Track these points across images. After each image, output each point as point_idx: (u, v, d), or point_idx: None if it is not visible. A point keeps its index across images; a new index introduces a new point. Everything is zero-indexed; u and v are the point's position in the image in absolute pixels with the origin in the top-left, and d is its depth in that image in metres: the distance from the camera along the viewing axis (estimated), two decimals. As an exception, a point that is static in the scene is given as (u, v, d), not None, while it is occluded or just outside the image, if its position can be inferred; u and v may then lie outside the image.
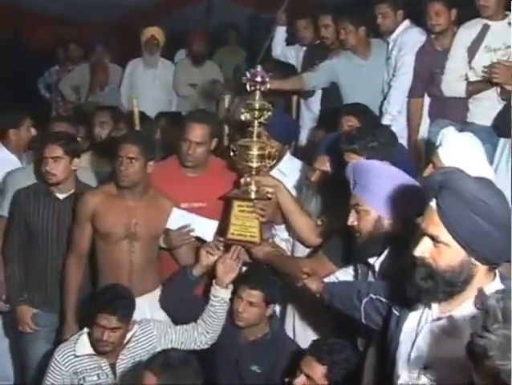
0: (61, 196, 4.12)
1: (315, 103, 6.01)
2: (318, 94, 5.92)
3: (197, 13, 8.94)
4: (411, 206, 2.69)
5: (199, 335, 3.72)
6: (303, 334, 3.79)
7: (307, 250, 3.76)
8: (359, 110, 4.48)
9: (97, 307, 3.53)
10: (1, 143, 4.69)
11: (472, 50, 4.73)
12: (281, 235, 3.98)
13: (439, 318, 2.22)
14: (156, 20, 8.16)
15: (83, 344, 3.57)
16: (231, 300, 3.76)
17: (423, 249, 2.16)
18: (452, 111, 4.92)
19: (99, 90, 7.68)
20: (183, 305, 3.84)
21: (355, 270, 3.29)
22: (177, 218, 3.92)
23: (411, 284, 2.21)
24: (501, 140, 4.52)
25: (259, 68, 3.69)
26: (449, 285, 2.14)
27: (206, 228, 3.94)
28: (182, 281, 3.84)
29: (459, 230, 2.09)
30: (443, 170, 2.26)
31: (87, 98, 7.67)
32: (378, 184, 2.86)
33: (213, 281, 3.76)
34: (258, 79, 3.64)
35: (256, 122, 3.69)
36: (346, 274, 3.38)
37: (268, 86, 3.67)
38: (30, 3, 8.77)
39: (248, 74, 3.66)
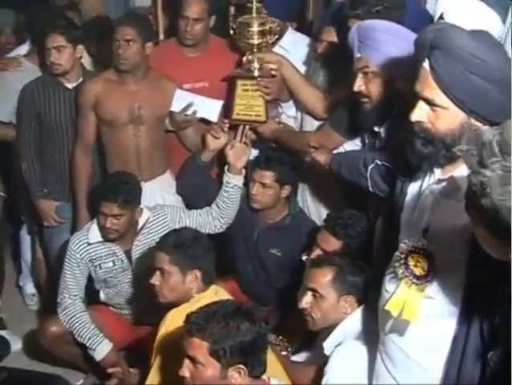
0: (70, 86, 4.03)
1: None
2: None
3: None
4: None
5: (213, 220, 3.73)
6: (316, 210, 3.76)
7: (315, 126, 3.68)
8: None
9: (100, 195, 3.55)
10: None
11: None
12: (288, 112, 3.89)
13: (440, 180, 2.15)
14: None
15: (94, 232, 3.61)
16: (246, 184, 3.72)
17: (419, 113, 2.07)
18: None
19: None
20: (199, 190, 3.82)
21: (363, 142, 3.23)
22: (181, 99, 3.84)
23: (411, 150, 2.14)
24: (512, 5, 4.32)
25: None
26: (449, 149, 2.05)
27: (211, 108, 3.86)
28: (193, 167, 3.82)
29: (455, 91, 1.99)
30: (434, 26, 2.12)
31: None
32: (386, 41, 2.76)
33: (225, 168, 3.72)
34: None
35: (254, -3, 3.56)
36: (353, 146, 3.32)
37: None
38: None
39: None
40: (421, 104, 2.06)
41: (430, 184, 2.19)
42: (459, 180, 2.07)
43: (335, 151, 3.30)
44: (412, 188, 2.29)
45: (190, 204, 3.88)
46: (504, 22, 4.03)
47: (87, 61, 4.32)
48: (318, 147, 3.30)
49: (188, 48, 3.97)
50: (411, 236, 2.20)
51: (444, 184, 2.14)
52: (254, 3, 3.58)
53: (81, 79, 4.03)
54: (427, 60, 2.01)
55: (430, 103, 2.04)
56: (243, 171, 3.70)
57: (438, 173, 2.16)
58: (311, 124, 3.71)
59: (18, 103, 4.12)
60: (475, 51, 1.96)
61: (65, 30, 3.96)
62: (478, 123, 2.02)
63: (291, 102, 3.83)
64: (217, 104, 3.87)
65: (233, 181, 3.68)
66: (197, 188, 3.81)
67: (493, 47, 2.01)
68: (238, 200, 3.72)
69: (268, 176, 3.60)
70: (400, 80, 2.77)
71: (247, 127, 3.72)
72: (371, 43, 2.79)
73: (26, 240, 4.74)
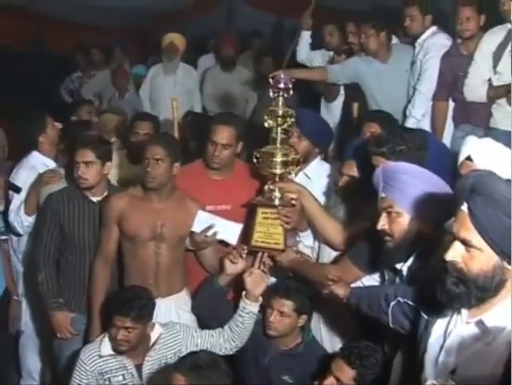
0: (95, 199, 4.12)
1: (337, 107, 6.03)
2: (341, 97, 5.95)
3: (218, 19, 9.12)
4: (441, 209, 2.69)
5: (224, 342, 3.73)
6: (330, 341, 3.79)
7: (332, 257, 3.74)
8: (381, 117, 4.48)
9: (114, 308, 3.57)
10: (36, 152, 4.69)
11: (497, 55, 4.73)
12: (305, 242, 3.94)
13: (468, 323, 2.20)
14: (176, 25, 8.20)
15: (106, 345, 3.61)
16: (262, 309, 3.73)
17: (454, 253, 2.13)
18: (475, 116, 4.92)
19: (118, 97, 7.64)
20: (214, 312, 3.84)
21: (382, 277, 3.27)
22: (202, 221, 3.92)
23: (442, 289, 2.18)
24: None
25: (282, 74, 3.64)
26: (481, 290, 2.12)
27: (230, 231, 3.94)
28: (210, 289, 3.84)
29: (492, 235, 2.07)
30: (474, 173, 2.22)
31: (109, 102, 7.66)
32: (410, 184, 2.84)
33: (243, 294, 3.73)
34: (281, 85, 3.60)
35: (279, 129, 3.66)
36: (372, 281, 3.37)
37: (291, 92, 3.63)
38: (51, 9, 8.85)
39: (271, 81, 3.63)
40: (457, 245, 2.13)
41: (457, 324, 2.24)
42: (488, 323, 2.14)
43: (352, 285, 3.32)
44: (437, 328, 2.33)
45: (204, 324, 3.89)
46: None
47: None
48: (336, 280, 3.32)
49: (214, 171, 4.08)
50: (437, 376, 2.24)
51: (472, 326, 2.19)
52: (279, 134, 3.66)
53: (106, 193, 4.11)
54: (465, 204, 2.10)
55: (466, 243, 2.11)
56: (260, 298, 3.72)
57: (465, 314, 2.22)
58: (329, 255, 3.76)
59: (42, 212, 4.18)
60: (510, 197, 2.06)
61: (96, 145, 4.07)
62: (510, 267, 2.09)
63: (309, 231, 3.89)
64: (237, 227, 3.94)
65: (250, 308, 3.70)
66: (212, 310, 3.82)
67: None
68: (252, 325, 3.73)
69: (287, 305, 3.62)
70: (423, 221, 2.86)
71: (266, 254, 3.75)
72: (396, 185, 2.87)
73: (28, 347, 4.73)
